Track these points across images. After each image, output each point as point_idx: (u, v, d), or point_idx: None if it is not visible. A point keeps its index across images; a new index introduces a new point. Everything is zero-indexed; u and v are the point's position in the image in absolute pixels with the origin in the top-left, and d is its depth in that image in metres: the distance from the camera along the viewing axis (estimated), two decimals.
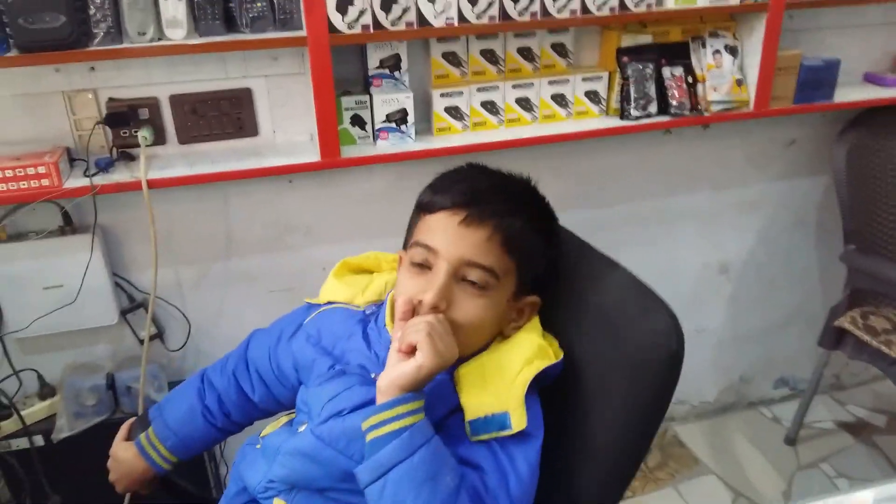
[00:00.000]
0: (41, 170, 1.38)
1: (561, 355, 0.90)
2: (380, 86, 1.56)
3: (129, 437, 1.14)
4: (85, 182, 1.43)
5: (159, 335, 1.72)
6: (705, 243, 2.07)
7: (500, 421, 0.82)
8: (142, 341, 1.68)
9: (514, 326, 0.94)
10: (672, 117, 1.69)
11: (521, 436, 0.83)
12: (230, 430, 1.14)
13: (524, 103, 1.67)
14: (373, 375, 0.91)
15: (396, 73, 1.56)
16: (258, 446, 1.00)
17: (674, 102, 1.67)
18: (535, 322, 0.95)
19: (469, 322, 0.87)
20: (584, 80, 1.68)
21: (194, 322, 1.72)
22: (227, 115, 1.57)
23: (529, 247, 0.92)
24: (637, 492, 2.06)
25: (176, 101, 1.53)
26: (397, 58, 1.54)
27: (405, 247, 1.01)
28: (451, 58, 1.61)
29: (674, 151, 1.90)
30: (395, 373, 0.80)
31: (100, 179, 1.45)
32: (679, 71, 1.68)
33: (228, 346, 1.22)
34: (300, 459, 0.89)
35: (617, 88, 1.69)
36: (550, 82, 1.66)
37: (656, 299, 0.85)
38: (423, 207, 0.94)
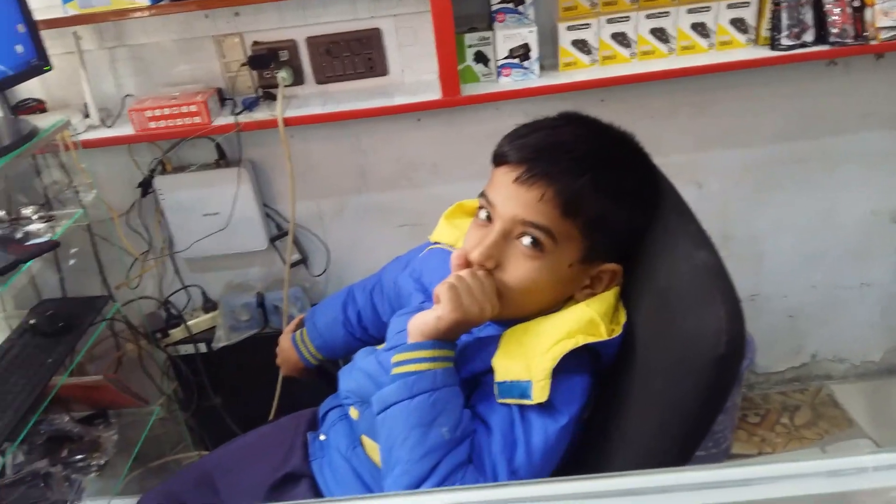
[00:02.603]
0: (192, 108, 1.54)
1: (618, 333, 0.82)
2: (503, 21, 1.54)
3: (295, 330, 1.31)
4: (231, 120, 1.58)
5: (303, 261, 1.87)
6: (876, 189, 1.84)
7: (522, 389, 0.79)
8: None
9: (588, 293, 0.87)
10: (831, 46, 1.50)
11: (546, 408, 0.79)
12: (368, 342, 1.22)
13: (659, 34, 1.56)
14: None
15: (521, 7, 1.52)
16: None
17: (834, 30, 1.48)
18: (610, 293, 0.87)
19: (518, 283, 0.84)
20: (730, 6, 1.54)
21: (333, 251, 1.86)
22: (359, 55, 1.64)
23: (597, 210, 0.83)
24: (777, 448, 1.95)
25: (312, 42, 1.62)
26: None
27: None
28: None
29: (839, 85, 1.69)
30: (420, 319, 0.83)
31: (243, 118, 1.58)
32: None
33: (363, 274, 1.32)
34: (364, 378, 0.97)
35: (768, 15, 1.53)
36: (690, 10, 1.54)
37: (723, 291, 0.70)
38: (494, 158, 0.90)
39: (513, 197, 0.83)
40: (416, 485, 0.77)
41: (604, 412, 0.85)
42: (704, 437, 0.72)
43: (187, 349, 1.84)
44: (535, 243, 0.83)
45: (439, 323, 0.81)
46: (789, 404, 2.09)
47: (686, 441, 0.73)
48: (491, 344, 0.86)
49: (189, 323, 1.83)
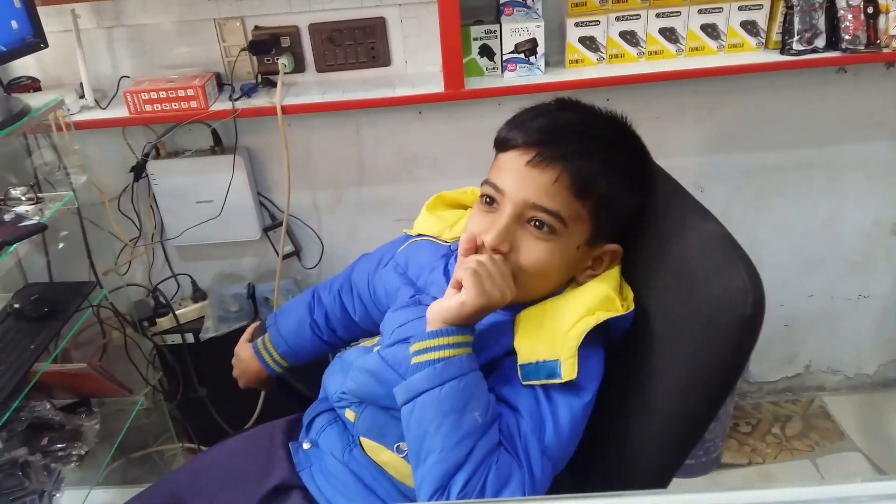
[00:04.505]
0: (189, 92, 1.50)
1: (631, 308, 0.84)
2: (511, 14, 1.51)
3: (252, 338, 1.24)
4: (228, 105, 1.54)
5: (296, 253, 1.83)
6: (879, 199, 1.83)
7: (551, 368, 0.80)
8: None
9: (590, 274, 0.89)
10: (842, 53, 1.48)
11: (570, 386, 0.80)
12: (336, 345, 1.21)
13: (668, 34, 1.54)
14: None
15: (529, 2, 1.49)
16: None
17: (846, 36, 1.46)
18: (614, 272, 0.89)
19: (532, 266, 0.85)
20: (741, 8, 1.52)
21: (327, 243, 1.82)
22: (362, 44, 1.60)
23: (606, 192, 0.85)
24: (767, 459, 1.93)
25: (315, 29, 1.58)
26: None
27: None
28: None
29: (848, 92, 1.67)
30: (441, 305, 0.81)
31: (241, 104, 1.55)
32: None
33: None
34: (366, 377, 0.93)
35: (780, 19, 1.51)
36: (701, 11, 1.52)
37: (740, 256, 0.75)
38: (498, 144, 0.91)
39: (525, 180, 0.84)
40: (453, 471, 0.75)
41: (620, 386, 0.86)
42: (728, 397, 0.77)
43: (174, 339, 1.80)
44: (547, 226, 0.84)
45: (463, 309, 0.80)
46: (781, 415, 2.07)
47: (713, 400, 0.75)
48: (504, 328, 0.87)
49: (177, 312, 1.78)
